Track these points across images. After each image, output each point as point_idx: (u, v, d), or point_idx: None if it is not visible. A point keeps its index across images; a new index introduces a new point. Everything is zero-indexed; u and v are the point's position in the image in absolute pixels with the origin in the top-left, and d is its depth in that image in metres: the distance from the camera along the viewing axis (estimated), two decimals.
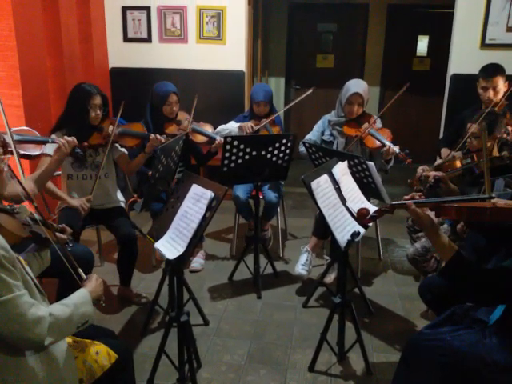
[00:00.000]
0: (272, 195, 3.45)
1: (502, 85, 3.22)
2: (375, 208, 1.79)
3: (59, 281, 2.43)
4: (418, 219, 1.64)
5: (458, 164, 2.72)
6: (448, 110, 4.49)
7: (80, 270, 1.73)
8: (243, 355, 2.55)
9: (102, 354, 1.68)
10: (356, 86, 3.22)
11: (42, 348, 1.47)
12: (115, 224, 2.90)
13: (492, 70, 3.23)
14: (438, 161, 3.09)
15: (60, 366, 1.54)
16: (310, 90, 3.29)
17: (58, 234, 1.81)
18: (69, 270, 1.68)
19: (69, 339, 1.66)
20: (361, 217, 1.79)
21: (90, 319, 1.60)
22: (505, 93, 3.25)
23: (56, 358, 1.53)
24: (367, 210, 1.76)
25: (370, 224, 2.24)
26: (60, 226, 1.88)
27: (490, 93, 3.21)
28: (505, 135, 2.89)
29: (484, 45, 4.27)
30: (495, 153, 2.70)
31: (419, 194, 1.78)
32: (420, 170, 2.82)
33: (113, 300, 3.01)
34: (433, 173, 2.70)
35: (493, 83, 3.20)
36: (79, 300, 1.58)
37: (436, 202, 1.66)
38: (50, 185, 2.79)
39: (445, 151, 3.34)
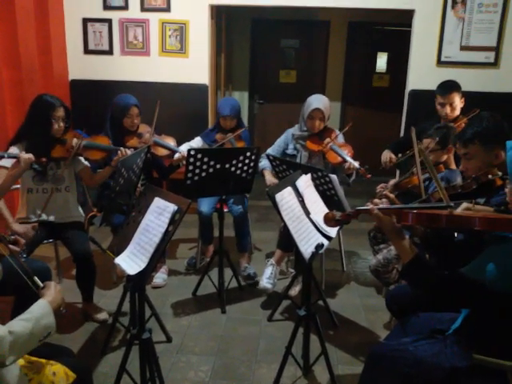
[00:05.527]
0: (236, 208, 3.45)
1: (458, 101, 3.33)
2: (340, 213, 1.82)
3: (15, 298, 2.33)
4: (380, 223, 1.68)
5: (416, 180, 2.76)
6: (407, 125, 4.61)
7: (36, 278, 1.66)
8: (207, 372, 2.50)
9: (59, 375, 1.61)
10: (317, 101, 3.27)
11: (3, 366, 1.39)
12: (70, 240, 2.83)
13: (448, 87, 3.35)
14: (396, 178, 3.15)
15: None
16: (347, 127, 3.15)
17: (10, 246, 1.74)
18: (25, 285, 1.61)
19: (22, 361, 1.58)
20: (327, 221, 1.79)
21: (53, 330, 1.54)
22: (462, 109, 3.37)
23: None
24: (333, 214, 1.78)
25: (334, 235, 2.26)
26: (13, 237, 1.80)
27: (448, 109, 3.32)
28: None
29: (440, 62, 4.43)
30: (453, 166, 2.78)
31: (383, 200, 1.82)
32: (379, 188, 2.86)
33: (70, 317, 2.90)
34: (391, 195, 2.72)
35: (449, 99, 3.31)
36: (40, 312, 1.51)
37: (397, 208, 1.70)
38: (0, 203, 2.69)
39: (385, 153, 3.40)
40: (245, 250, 3.61)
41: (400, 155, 3.20)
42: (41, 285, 1.66)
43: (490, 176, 1.94)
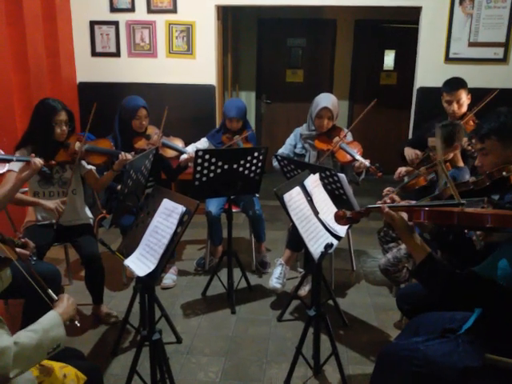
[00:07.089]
0: (252, 212, 3.48)
1: (465, 97, 3.30)
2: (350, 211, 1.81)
3: (25, 301, 2.34)
4: (391, 221, 1.67)
5: (423, 181, 2.75)
6: (415, 122, 4.59)
7: (50, 291, 1.65)
8: (217, 372, 2.50)
9: (69, 377, 1.62)
10: (325, 100, 3.25)
11: (6, 381, 1.37)
12: (79, 242, 2.83)
13: (454, 84, 3.32)
14: (404, 171, 3.12)
15: None
16: (373, 103, 3.09)
17: (19, 249, 1.74)
18: (35, 289, 1.61)
19: None
20: (338, 219, 1.80)
21: (62, 342, 1.52)
22: (468, 105, 3.34)
23: None
24: (344, 212, 1.78)
25: (343, 235, 2.25)
26: (22, 240, 1.80)
27: (455, 106, 3.29)
28: (469, 147, 2.96)
29: (448, 59, 4.40)
30: (460, 164, 2.75)
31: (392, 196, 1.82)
32: (386, 191, 2.83)
33: (81, 319, 2.91)
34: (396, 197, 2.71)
35: (456, 97, 3.28)
36: (49, 323, 1.50)
37: (408, 206, 1.69)
38: (18, 195, 2.69)
39: (407, 149, 3.38)
40: (262, 240, 3.71)
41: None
42: (55, 298, 1.65)
43: (504, 173, 1.91)
